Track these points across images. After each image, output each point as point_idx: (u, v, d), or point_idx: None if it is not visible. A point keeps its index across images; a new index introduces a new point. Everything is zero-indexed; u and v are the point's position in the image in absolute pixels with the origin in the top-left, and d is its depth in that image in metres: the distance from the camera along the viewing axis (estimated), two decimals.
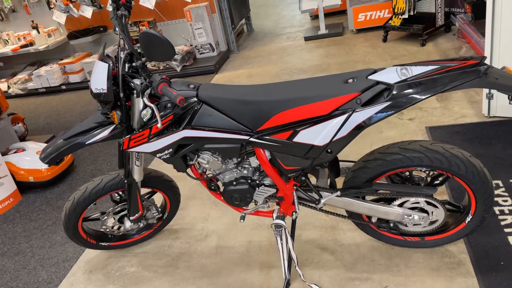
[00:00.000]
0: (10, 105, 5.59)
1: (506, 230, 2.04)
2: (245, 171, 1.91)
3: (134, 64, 1.70)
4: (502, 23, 2.66)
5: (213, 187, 1.98)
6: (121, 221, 2.29)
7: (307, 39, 5.59)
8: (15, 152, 3.42)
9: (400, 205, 1.86)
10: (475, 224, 1.87)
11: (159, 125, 1.61)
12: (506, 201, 2.22)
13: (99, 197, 2.13)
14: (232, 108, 1.69)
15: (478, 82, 1.46)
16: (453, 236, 1.94)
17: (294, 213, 1.92)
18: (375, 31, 5.34)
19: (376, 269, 2.00)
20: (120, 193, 2.26)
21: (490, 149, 2.65)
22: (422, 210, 1.86)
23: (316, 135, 1.65)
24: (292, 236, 2.02)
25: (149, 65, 5.32)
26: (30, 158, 3.35)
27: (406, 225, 1.94)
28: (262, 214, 2.01)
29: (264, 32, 6.52)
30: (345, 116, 1.59)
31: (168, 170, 2.91)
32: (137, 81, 1.68)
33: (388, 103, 1.53)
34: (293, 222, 2.07)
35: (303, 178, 1.83)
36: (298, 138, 1.67)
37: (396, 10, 4.68)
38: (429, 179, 1.88)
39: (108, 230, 2.32)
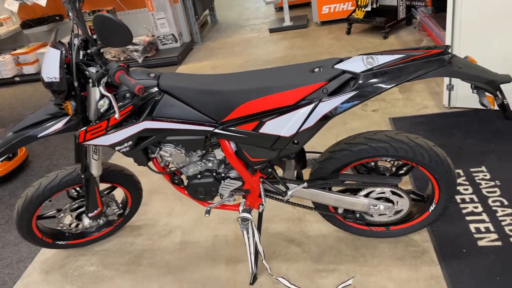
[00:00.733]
0: None
1: (468, 218, 2.08)
2: (209, 164, 1.85)
3: (89, 51, 1.59)
4: (462, 15, 2.71)
5: (176, 181, 1.91)
6: (79, 218, 2.18)
7: (272, 31, 5.55)
8: None
9: (366, 195, 1.86)
10: (438, 213, 1.90)
11: (116, 116, 1.52)
12: (467, 189, 2.26)
13: (54, 193, 2.01)
14: (195, 98, 1.63)
15: (443, 71, 1.46)
16: (417, 225, 1.96)
17: (260, 206, 1.88)
18: (339, 24, 5.37)
19: (342, 260, 1.99)
20: (78, 188, 2.14)
21: (451, 139, 2.71)
22: (388, 200, 1.87)
23: (282, 126, 1.61)
24: (259, 229, 1.98)
25: (109, 56, 5.12)
26: None
27: (371, 215, 1.94)
28: (228, 208, 1.96)
29: (228, 23, 6.43)
30: (311, 106, 1.56)
31: (129, 164, 2.80)
32: (92, 69, 1.58)
33: (354, 92, 1.50)
34: (260, 215, 2.03)
35: (270, 170, 1.79)
36: (264, 129, 1.63)
37: (359, 3, 4.71)
38: (394, 169, 1.89)
39: (65, 228, 2.20)
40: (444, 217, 2.10)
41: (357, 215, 1.91)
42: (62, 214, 2.12)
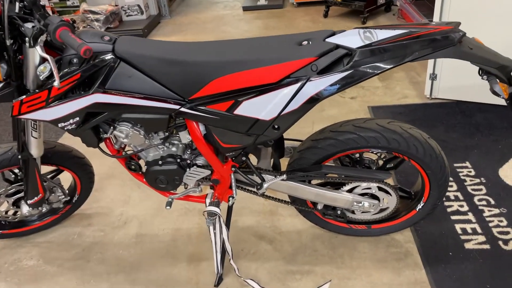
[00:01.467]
0: None
1: (453, 217, 1.93)
2: (173, 148, 1.58)
3: (26, 2, 1.28)
4: (451, 5, 2.53)
5: (133, 167, 1.63)
6: (16, 205, 1.87)
7: (245, 9, 5.25)
8: None
9: (350, 190, 1.66)
10: (426, 212, 1.72)
11: (56, 83, 1.22)
12: (451, 186, 2.11)
13: None
14: (159, 69, 1.35)
15: (451, 51, 1.25)
16: (402, 224, 1.79)
17: (230, 198, 1.64)
18: (316, 6, 5.13)
19: (318, 260, 1.79)
20: (16, 171, 1.83)
21: (434, 131, 2.55)
22: (373, 196, 1.67)
23: (261, 107, 1.36)
24: (228, 225, 1.74)
25: None
26: None
27: (353, 212, 1.74)
28: (193, 200, 1.71)
29: None
30: (297, 85, 1.32)
31: (79, 143, 2.48)
32: (28, 25, 1.26)
33: (349, 71, 1.28)
34: (229, 209, 1.79)
35: (244, 158, 1.55)
36: (240, 110, 1.38)
37: None
38: (381, 162, 1.69)
39: (0, 216, 1.89)
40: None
41: (338, 212, 1.71)
42: None
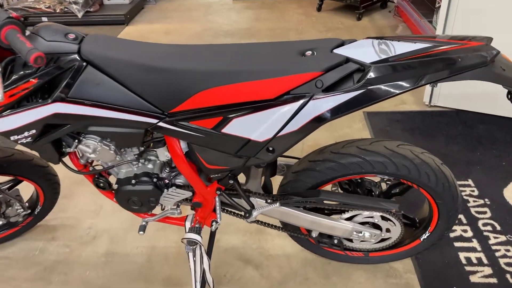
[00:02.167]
0: None
1: (457, 244, 1.76)
2: (149, 165, 1.37)
3: None
4: (459, 5, 2.35)
5: (102, 184, 1.41)
6: None
7: None
8: None
9: (349, 218, 1.47)
10: (431, 243, 1.55)
11: (0, 98, 0.99)
12: None
13: None
14: (134, 76, 1.13)
15: (483, 72, 1.06)
16: (403, 253, 1.62)
17: (214, 223, 1.43)
18: None
19: None
20: None
21: (433, 143, 2.39)
22: (375, 225, 1.49)
23: (254, 127, 1.16)
24: (209, 252, 1.54)
25: (43, 6, 4.34)
26: None
27: (351, 241, 1.56)
28: (172, 222, 1.50)
29: None
30: (298, 103, 1.11)
31: None
32: None
33: (361, 91, 1.07)
34: (212, 235, 1.59)
35: (231, 181, 1.34)
36: (229, 129, 1.17)
37: None
38: (384, 185, 1.51)
39: None
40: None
41: (335, 240, 1.53)
42: None
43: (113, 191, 1.43)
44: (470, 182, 2.10)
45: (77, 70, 1.11)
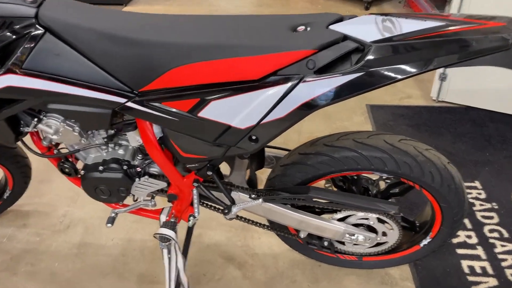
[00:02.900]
0: None
1: (459, 251, 1.62)
2: (120, 151, 1.22)
3: None
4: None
5: (67, 170, 1.27)
6: None
7: None
8: None
9: (342, 219, 1.32)
10: (431, 250, 1.41)
11: None
12: None
13: None
14: (99, 47, 0.98)
15: (503, 57, 0.91)
16: (400, 259, 1.47)
17: (191, 218, 1.29)
18: None
19: None
20: None
21: (440, 140, 2.23)
22: (370, 228, 1.34)
23: (236, 112, 1.01)
24: (186, 251, 1.40)
25: None
26: None
27: (343, 244, 1.42)
28: (146, 215, 1.36)
29: None
30: (286, 86, 0.96)
31: None
32: None
33: (359, 74, 0.92)
34: (189, 231, 1.45)
35: (209, 172, 1.19)
36: (207, 113, 1.02)
37: None
38: (382, 183, 1.36)
39: None
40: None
41: (325, 243, 1.38)
42: None
43: (80, 177, 1.29)
44: (477, 184, 1.94)
45: (34, 37, 0.97)
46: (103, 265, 1.57)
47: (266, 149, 1.38)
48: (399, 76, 0.92)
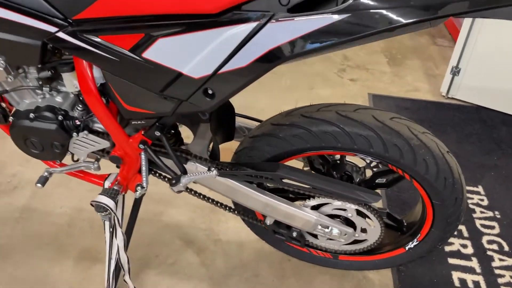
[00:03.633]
0: None
1: (451, 261, 1.41)
2: (58, 99, 1.03)
3: None
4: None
5: None
6: None
7: None
8: None
9: (316, 207, 1.12)
10: (418, 255, 1.20)
11: None
12: None
13: None
14: None
15: None
16: (381, 262, 1.27)
17: (139, 188, 1.09)
18: None
19: None
20: None
21: (443, 138, 1.99)
22: (348, 221, 1.14)
23: (188, 55, 0.80)
24: (131, 226, 1.20)
25: None
26: None
27: (316, 237, 1.22)
28: (88, 179, 1.17)
29: None
30: (251, 26, 0.75)
31: None
32: None
33: (344, 16, 0.71)
34: (136, 203, 1.25)
35: (157, 133, 0.99)
36: (152, 54, 0.82)
37: None
38: (369, 171, 1.16)
39: None
40: None
41: (294, 233, 1.18)
42: None
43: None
44: (480, 189, 1.73)
45: None
46: (44, 234, 1.39)
47: (238, 118, 1.18)
48: (396, 24, 0.70)
